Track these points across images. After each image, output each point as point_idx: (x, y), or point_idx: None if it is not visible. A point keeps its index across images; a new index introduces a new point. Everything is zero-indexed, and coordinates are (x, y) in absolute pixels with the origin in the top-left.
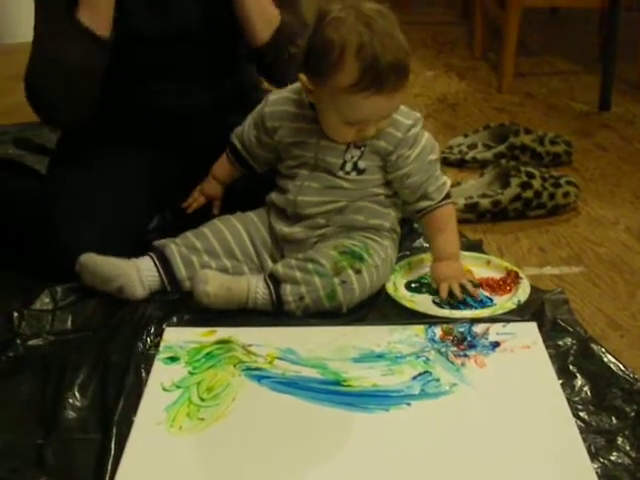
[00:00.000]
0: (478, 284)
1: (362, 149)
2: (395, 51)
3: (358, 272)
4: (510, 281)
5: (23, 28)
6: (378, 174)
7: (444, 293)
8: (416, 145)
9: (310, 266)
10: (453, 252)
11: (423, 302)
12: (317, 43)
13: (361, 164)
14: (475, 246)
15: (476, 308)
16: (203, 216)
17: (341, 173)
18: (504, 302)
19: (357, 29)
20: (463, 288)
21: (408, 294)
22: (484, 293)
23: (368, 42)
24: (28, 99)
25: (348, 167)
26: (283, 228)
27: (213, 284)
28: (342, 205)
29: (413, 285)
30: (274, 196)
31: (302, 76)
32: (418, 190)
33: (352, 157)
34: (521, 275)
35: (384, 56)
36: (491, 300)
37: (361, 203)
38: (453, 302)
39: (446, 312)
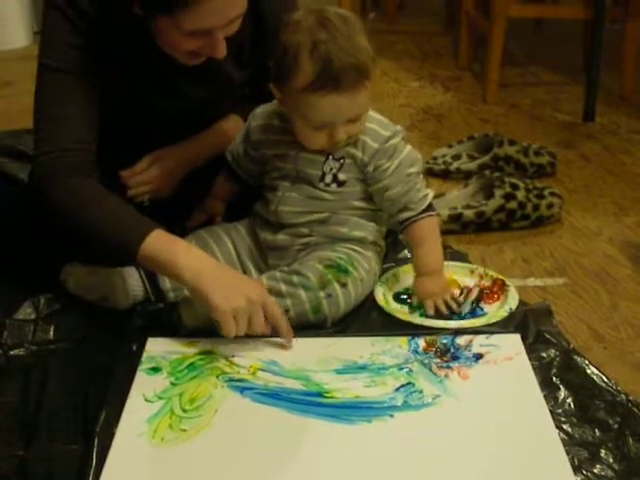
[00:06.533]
0: (461, 301)
1: (341, 161)
2: (352, 52)
3: (344, 285)
4: (497, 289)
5: (11, 35)
6: (359, 187)
7: (430, 310)
8: (395, 157)
9: (295, 279)
10: (436, 266)
11: (415, 314)
12: (278, 49)
13: (341, 176)
14: (461, 258)
15: (467, 318)
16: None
17: (321, 185)
18: (496, 311)
19: (312, 31)
20: (446, 304)
21: (399, 306)
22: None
23: (322, 42)
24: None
25: (328, 179)
26: (267, 236)
27: (200, 306)
28: (324, 216)
29: (402, 297)
30: (258, 206)
31: (272, 85)
32: (398, 202)
33: (331, 169)
34: (508, 283)
35: (339, 56)
36: (482, 309)
37: (343, 215)
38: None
39: (441, 323)
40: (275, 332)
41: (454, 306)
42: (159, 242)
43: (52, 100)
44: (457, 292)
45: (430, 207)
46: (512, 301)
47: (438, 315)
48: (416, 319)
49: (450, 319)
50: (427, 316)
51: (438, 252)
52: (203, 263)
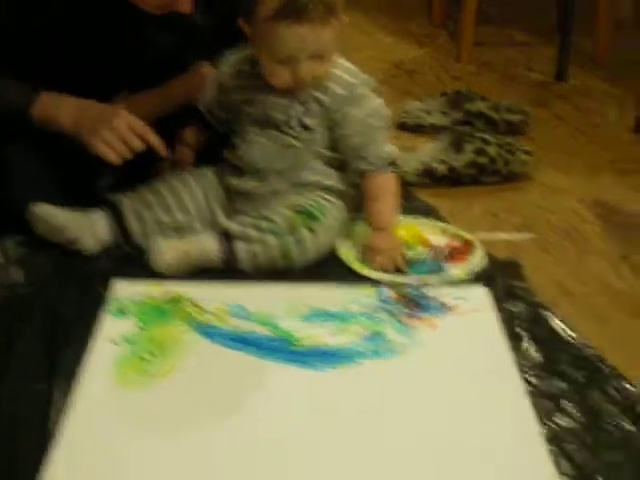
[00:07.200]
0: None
1: (307, 105)
2: None
3: (312, 231)
4: (465, 250)
5: None
6: (325, 134)
7: (374, 265)
8: (361, 107)
9: (264, 224)
10: (387, 224)
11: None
12: None
13: (307, 120)
14: (430, 211)
15: (424, 274)
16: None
17: (287, 129)
18: (457, 271)
19: None
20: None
21: (360, 258)
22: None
23: None
24: None
25: (293, 123)
26: (235, 181)
27: (170, 253)
28: (292, 163)
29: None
30: (227, 153)
31: (241, 21)
32: (357, 152)
33: (296, 113)
34: (476, 245)
35: None
36: (440, 267)
37: (312, 163)
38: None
39: (396, 279)
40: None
41: (401, 264)
42: (43, 103)
43: None
44: (407, 252)
45: (391, 164)
46: (475, 263)
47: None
48: (373, 273)
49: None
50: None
51: (391, 209)
52: (71, 110)
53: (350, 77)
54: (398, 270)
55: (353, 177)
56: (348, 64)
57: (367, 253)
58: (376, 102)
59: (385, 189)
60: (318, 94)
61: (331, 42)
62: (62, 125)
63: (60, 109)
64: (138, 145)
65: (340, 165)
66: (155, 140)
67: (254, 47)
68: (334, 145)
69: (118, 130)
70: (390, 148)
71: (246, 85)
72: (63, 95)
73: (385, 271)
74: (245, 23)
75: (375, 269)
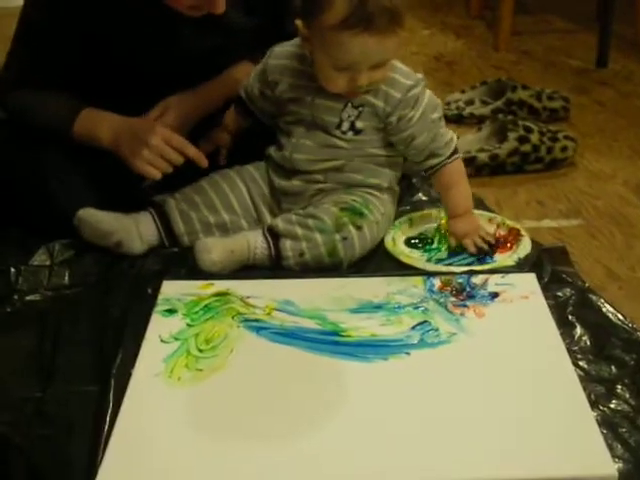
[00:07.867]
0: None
1: (360, 109)
2: None
3: (359, 228)
4: (511, 239)
5: None
6: (376, 135)
7: (472, 248)
8: (418, 106)
9: (311, 222)
10: (467, 207)
11: (421, 259)
12: None
13: (358, 124)
14: (476, 201)
15: (474, 264)
16: (198, 171)
17: (337, 132)
18: (503, 259)
19: None
20: (483, 240)
21: (407, 250)
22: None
23: None
24: None
25: (345, 127)
26: (281, 181)
27: (217, 251)
28: (339, 164)
29: (413, 241)
30: (272, 151)
31: (298, 22)
32: (425, 150)
33: (349, 117)
34: (523, 233)
35: None
36: (491, 257)
37: (358, 163)
38: (479, 256)
39: (443, 268)
40: (188, 158)
41: (492, 240)
42: (83, 120)
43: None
44: (491, 228)
45: (456, 150)
46: (522, 251)
47: (479, 252)
48: (419, 263)
49: (490, 255)
50: (429, 261)
51: (468, 192)
52: (111, 128)
53: (404, 79)
54: (490, 245)
55: (407, 170)
56: (401, 65)
57: (454, 239)
58: (428, 96)
59: (457, 175)
60: (373, 99)
61: (394, 51)
62: (102, 143)
63: (100, 126)
64: (177, 159)
65: (386, 163)
66: (194, 152)
67: (311, 50)
68: (383, 145)
69: (157, 147)
70: (451, 134)
71: (294, 83)
72: (102, 112)
73: (479, 250)
74: (303, 25)
75: (470, 252)
